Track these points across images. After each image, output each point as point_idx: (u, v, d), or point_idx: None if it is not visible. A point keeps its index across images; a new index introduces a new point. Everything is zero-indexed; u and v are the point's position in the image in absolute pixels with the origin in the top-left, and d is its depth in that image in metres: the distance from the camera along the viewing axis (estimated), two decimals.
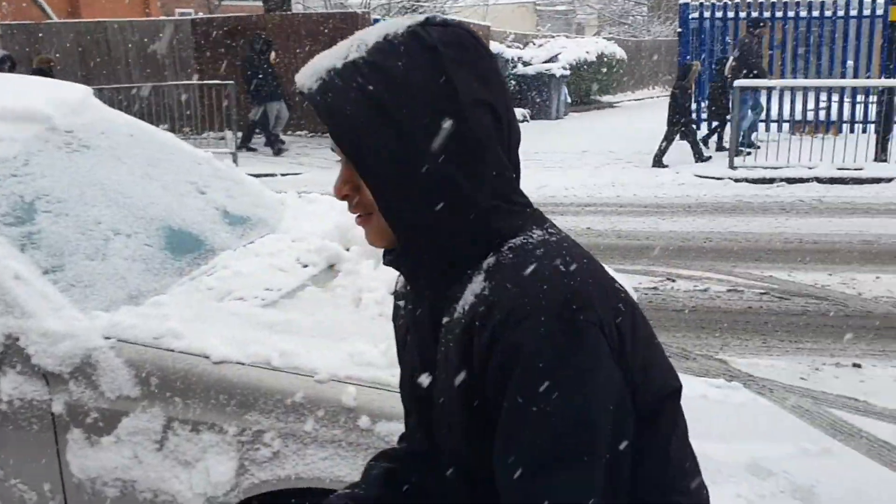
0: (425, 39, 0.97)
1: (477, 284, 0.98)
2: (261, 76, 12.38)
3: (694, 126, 11.73)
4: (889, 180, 9.52)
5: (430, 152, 0.95)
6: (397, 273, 1.16)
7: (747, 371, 4.16)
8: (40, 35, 14.87)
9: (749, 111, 11.58)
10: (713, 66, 12.63)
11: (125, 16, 18.09)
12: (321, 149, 13.02)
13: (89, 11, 20.76)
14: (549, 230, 1.03)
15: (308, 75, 1.01)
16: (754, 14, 12.85)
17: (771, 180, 9.90)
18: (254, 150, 13.07)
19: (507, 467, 0.93)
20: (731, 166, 10.37)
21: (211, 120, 13.04)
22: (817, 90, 12.12)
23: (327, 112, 0.97)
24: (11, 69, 11.33)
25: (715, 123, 12.34)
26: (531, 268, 0.95)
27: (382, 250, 1.08)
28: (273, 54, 12.75)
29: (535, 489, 0.91)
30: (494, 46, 20.13)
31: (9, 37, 14.49)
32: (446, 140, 0.96)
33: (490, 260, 0.99)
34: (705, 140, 12.03)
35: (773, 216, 8.01)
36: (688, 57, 13.13)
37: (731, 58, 11.97)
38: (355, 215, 1.06)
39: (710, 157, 11.18)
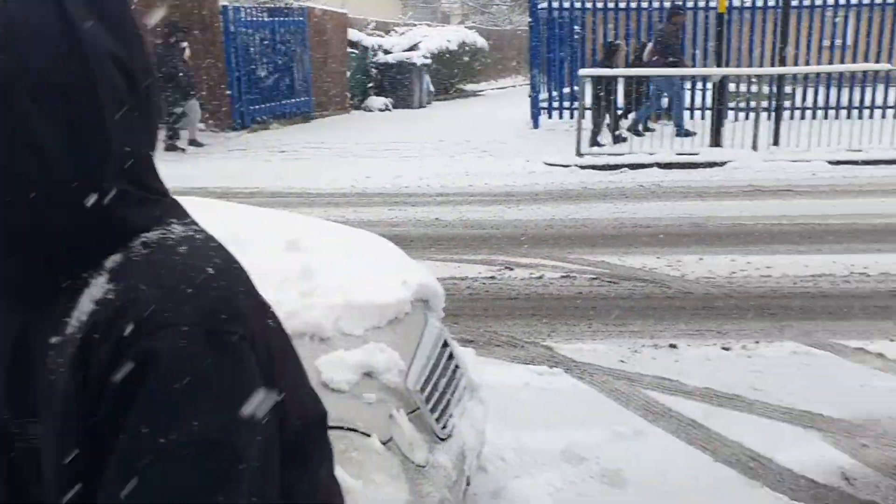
0: None
1: (97, 289, 0.78)
2: (182, 73, 11.94)
3: (616, 111, 11.90)
4: (722, 164, 10.07)
5: (35, 115, 0.75)
6: None
7: (571, 356, 4.23)
8: None
9: (663, 98, 12.03)
10: (626, 52, 12.88)
11: None
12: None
13: None
14: (193, 226, 0.87)
15: None
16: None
17: (615, 167, 10.25)
18: (182, 149, 12.55)
19: None
20: (578, 153, 10.67)
21: None
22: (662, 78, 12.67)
23: None
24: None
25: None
26: (173, 268, 0.79)
27: None
28: (188, 50, 12.48)
29: None
30: (354, 34, 19.89)
31: None
32: (59, 100, 0.76)
33: (116, 258, 0.80)
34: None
35: (613, 202, 8.29)
36: (613, 38, 13.23)
37: (650, 44, 12.35)
38: None
39: (605, 144, 11.47)
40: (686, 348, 4.34)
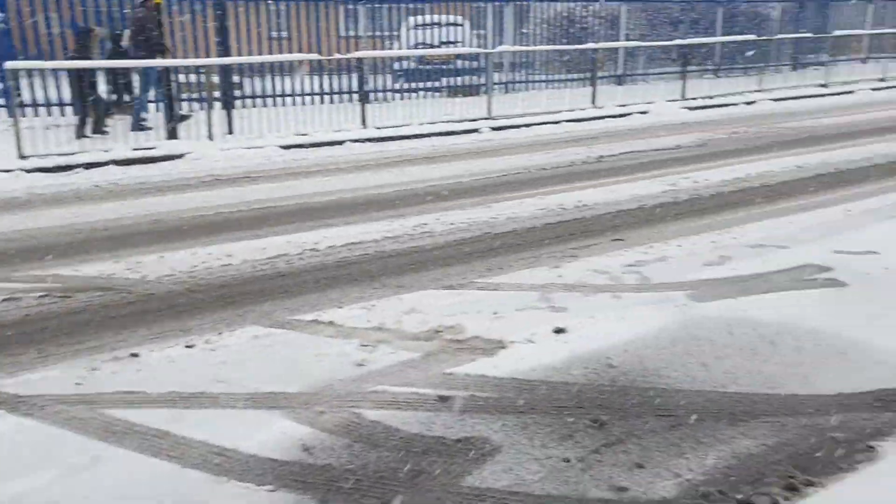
0: None
1: None
2: None
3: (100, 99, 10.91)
4: (181, 156, 9.97)
5: None
6: None
7: (16, 392, 3.70)
8: None
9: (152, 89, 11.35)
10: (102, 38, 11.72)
11: None
12: None
13: None
14: None
15: None
16: None
17: (68, 167, 9.41)
18: None
19: None
20: (22, 156, 9.52)
21: None
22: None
23: None
24: None
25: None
26: None
27: None
28: None
29: None
30: None
31: None
32: None
33: None
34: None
35: (67, 206, 7.58)
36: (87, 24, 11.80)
37: (129, 30, 11.38)
38: None
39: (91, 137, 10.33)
40: (149, 354, 4.15)
